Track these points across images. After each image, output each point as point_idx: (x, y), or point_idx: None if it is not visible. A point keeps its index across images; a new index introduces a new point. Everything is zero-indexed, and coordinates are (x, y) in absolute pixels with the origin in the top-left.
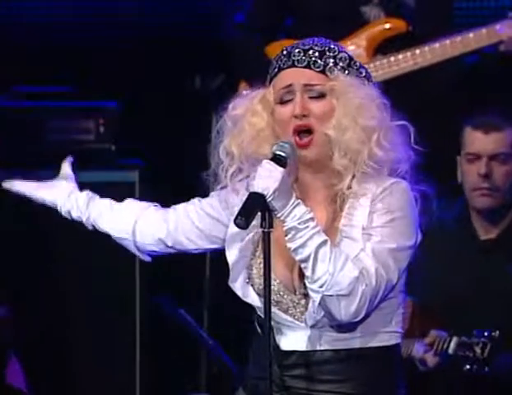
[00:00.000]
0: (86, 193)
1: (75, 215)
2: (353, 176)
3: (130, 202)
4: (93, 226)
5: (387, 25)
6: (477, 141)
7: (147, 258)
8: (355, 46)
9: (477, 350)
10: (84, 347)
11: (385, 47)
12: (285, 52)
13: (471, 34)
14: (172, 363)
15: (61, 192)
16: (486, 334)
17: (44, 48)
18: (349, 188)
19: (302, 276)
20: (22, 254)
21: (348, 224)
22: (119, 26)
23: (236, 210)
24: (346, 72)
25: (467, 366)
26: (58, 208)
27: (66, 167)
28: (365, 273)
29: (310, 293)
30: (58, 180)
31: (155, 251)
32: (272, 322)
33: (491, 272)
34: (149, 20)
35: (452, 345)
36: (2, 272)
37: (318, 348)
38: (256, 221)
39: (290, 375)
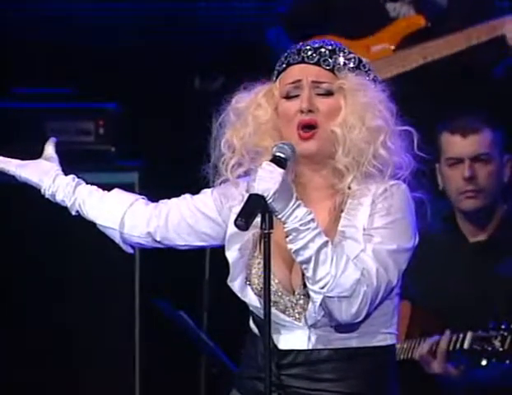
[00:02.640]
0: (72, 178)
1: (59, 198)
2: (354, 176)
3: (118, 192)
4: (77, 212)
5: (406, 22)
6: (457, 144)
7: (130, 250)
8: (379, 42)
9: (496, 343)
10: (83, 349)
11: (407, 43)
12: (294, 49)
13: (475, 28)
14: (172, 364)
15: (46, 174)
16: (503, 327)
17: (44, 49)
18: (348, 188)
19: (301, 276)
20: (20, 255)
21: (348, 224)
22: (119, 27)
23: (236, 205)
24: (355, 72)
25: (485, 361)
26: (42, 190)
27: (49, 148)
28: (366, 274)
29: (311, 294)
30: (41, 161)
31: (140, 244)
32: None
33: (483, 274)
34: (149, 21)
35: (467, 339)
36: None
37: (315, 347)
38: (255, 221)
39: (287, 374)
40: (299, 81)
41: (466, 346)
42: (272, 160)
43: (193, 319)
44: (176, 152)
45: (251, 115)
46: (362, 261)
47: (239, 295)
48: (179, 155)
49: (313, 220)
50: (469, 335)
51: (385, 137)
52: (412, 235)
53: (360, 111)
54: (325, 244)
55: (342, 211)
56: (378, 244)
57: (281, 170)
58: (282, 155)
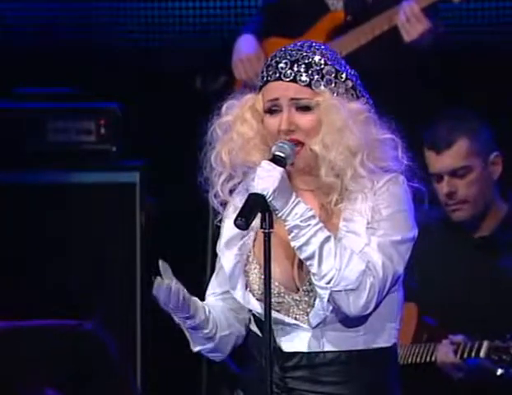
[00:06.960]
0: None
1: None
2: (341, 190)
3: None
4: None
5: (328, 18)
6: (433, 161)
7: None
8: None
9: None
10: None
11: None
12: (273, 61)
13: (373, 20)
14: (173, 363)
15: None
16: None
17: (44, 49)
18: (346, 189)
19: (304, 272)
20: (21, 255)
21: (349, 219)
22: (120, 27)
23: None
24: (332, 85)
25: (501, 370)
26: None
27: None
28: (371, 267)
29: (318, 291)
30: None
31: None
32: (274, 325)
33: (487, 269)
34: (150, 21)
35: (484, 348)
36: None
37: (320, 349)
38: (252, 223)
39: (291, 377)
40: (277, 99)
41: (482, 354)
42: (271, 160)
43: None
44: (177, 152)
45: (236, 132)
46: (367, 254)
47: (242, 302)
48: (180, 154)
49: (313, 216)
50: (485, 344)
51: (363, 156)
52: (413, 225)
53: (335, 132)
54: (328, 239)
55: (340, 207)
56: (382, 237)
57: (280, 169)
58: (282, 154)
